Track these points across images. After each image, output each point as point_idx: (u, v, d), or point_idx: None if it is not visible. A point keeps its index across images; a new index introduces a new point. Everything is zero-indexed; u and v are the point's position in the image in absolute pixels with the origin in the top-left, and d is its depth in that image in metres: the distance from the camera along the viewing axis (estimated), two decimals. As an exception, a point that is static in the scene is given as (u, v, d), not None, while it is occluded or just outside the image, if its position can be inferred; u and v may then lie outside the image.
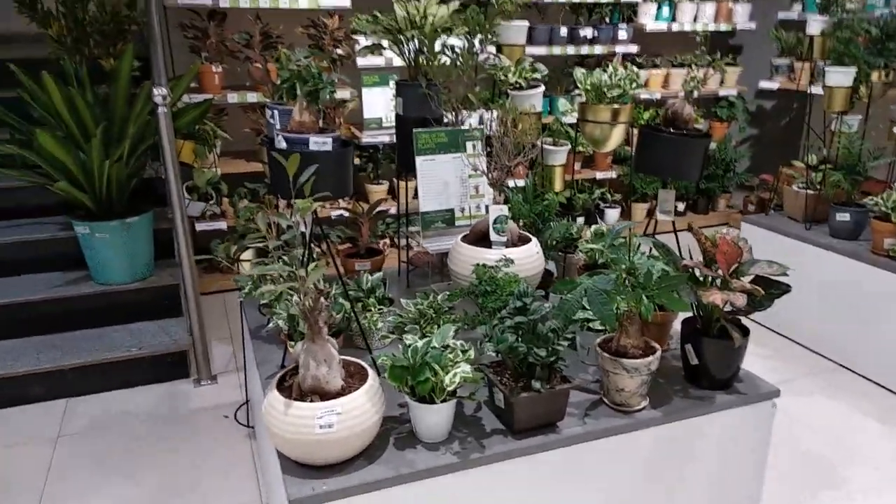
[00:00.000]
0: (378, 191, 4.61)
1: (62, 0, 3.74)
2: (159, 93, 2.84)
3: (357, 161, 4.57)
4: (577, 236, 2.78)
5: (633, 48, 5.26)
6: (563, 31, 5.01)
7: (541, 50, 4.97)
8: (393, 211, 4.41)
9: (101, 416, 3.07)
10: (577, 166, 5.41)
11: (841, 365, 3.57)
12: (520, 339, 1.77)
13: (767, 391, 2.11)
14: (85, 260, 3.45)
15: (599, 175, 5.40)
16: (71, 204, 3.43)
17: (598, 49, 5.15)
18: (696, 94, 2.23)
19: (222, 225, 4.08)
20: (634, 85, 2.42)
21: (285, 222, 1.64)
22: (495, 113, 2.12)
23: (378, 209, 2.94)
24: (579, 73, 2.49)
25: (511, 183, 4.49)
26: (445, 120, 2.55)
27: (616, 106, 2.43)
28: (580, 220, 5.36)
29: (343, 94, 4.39)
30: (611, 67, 2.44)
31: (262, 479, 2.64)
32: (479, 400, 1.99)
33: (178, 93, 3.46)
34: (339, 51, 4.31)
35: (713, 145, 5.73)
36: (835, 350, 3.60)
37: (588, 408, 1.98)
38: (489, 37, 2.48)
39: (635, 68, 2.45)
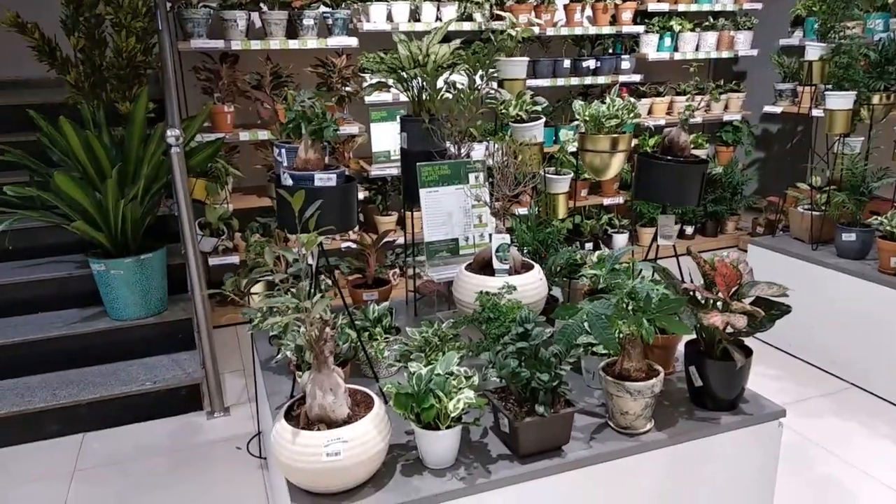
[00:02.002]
0: (386, 222, 4.68)
1: (80, 48, 3.89)
2: (172, 134, 2.94)
3: (366, 193, 4.66)
4: (582, 262, 2.82)
5: (637, 77, 5.34)
6: (567, 63, 5.12)
7: (545, 82, 5.07)
8: (401, 241, 4.47)
9: (116, 451, 3.11)
10: (584, 193, 5.47)
11: (853, 384, 3.55)
12: (522, 365, 1.80)
13: (773, 411, 2.11)
14: (100, 297, 3.53)
15: (607, 201, 5.45)
16: (87, 242, 3.53)
17: (602, 79, 5.24)
18: (689, 121, 2.28)
19: (234, 259, 4.17)
20: (632, 115, 2.48)
21: (291, 256, 1.70)
22: (495, 145, 2.18)
23: (385, 240, 3.00)
24: (578, 104, 2.55)
25: (518, 211, 4.55)
26: (449, 153, 2.62)
27: (615, 135, 2.49)
28: (588, 245, 5.41)
29: (351, 129, 4.50)
30: (608, 98, 2.50)
31: (274, 510, 2.66)
32: (485, 426, 2.02)
33: (191, 133, 3.57)
34: (348, 88, 4.43)
35: (719, 169, 5.78)
36: (846, 369, 3.59)
37: (594, 431, 2.00)
38: (489, 72, 2.55)
39: (632, 99, 2.51)
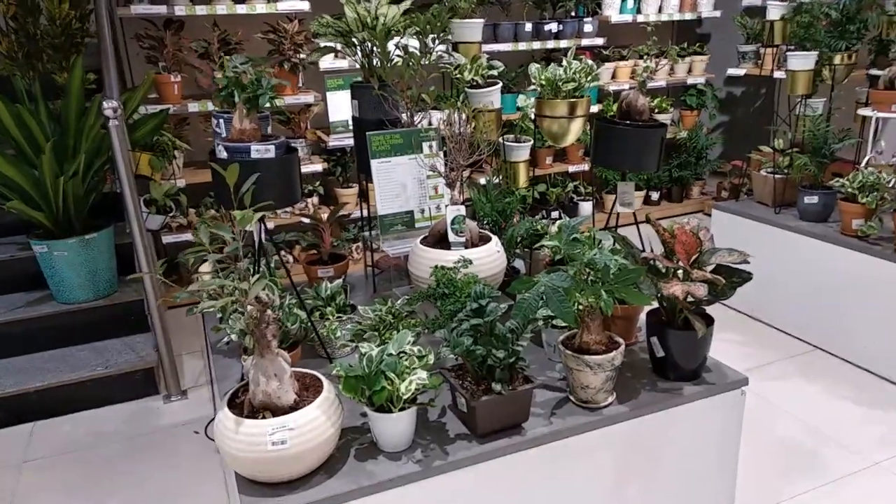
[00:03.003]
0: (347, 194, 4.55)
1: (11, 15, 3.66)
2: (109, 105, 2.77)
3: (325, 165, 4.52)
4: (543, 232, 2.75)
5: (600, 41, 5.24)
6: (528, 26, 4.99)
7: (506, 46, 4.95)
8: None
9: (68, 440, 2.99)
10: (549, 160, 5.39)
11: (817, 347, 3.57)
12: (477, 342, 1.73)
13: (735, 379, 2.08)
14: (45, 279, 3.37)
15: (572, 168, 5.38)
16: (29, 223, 3.35)
17: (564, 43, 5.13)
18: (651, 85, 2.20)
19: (189, 236, 4.02)
20: (590, 78, 2.39)
21: (227, 234, 1.59)
22: (447, 112, 2.07)
23: (341, 213, 2.89)
24: (534, 67, 2.45)
25: (482, 180, 4.45)
26: (402, 121, 2.51)
27: (572, 100, 2.39)
28: (554, 214, 5.36)
29: (307, 98, 4.34)
30: (565, 61, 2.40)
31: (230, 496, 2.58)
32: (444, 405, 1.95)
33: (133, 104, 3.39)
34: (301, 55, 4.25)
35: (684, 133, 5.74)
36: (810, 333, 3.61)
37: (554, 406, 1.94)
38: (441, 35, 2.43)
39: (590, 62, 2.41)
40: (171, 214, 3.03)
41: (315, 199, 4.61)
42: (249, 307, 1.55)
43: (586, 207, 5.38)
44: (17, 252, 3.52)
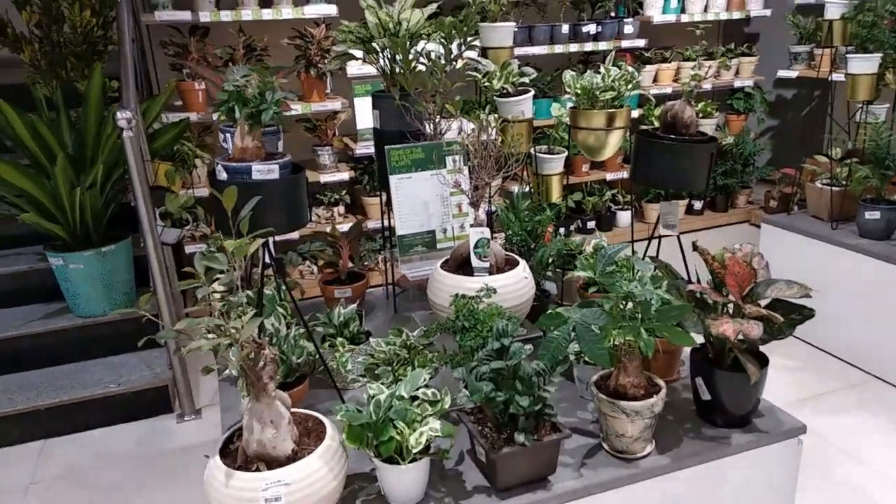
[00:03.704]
0: (375, 203, 4.39)
1: (35, 23, 3.59)
2: (123, 116, 2.65)
3: (352, 174, 4.37)
4: (578, 251, 2.54)
5: (641, 42, 4.98)
6: (565, 28, 4.76)
7: (541, 49, 4.73)
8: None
9: (77, 460, 2.89)
10: (586, 168, 5.15)
11: (876, 377, 3.27)
12: (499, 387, 1.54)
13: (792, 427, 1.85)
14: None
15: (610, 176, 5.13)
16: (46, 234, 3.27)
17: (603, 45, 4.88)
18: (697, 91, 1.98)
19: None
20: (631, 86, 2.17)
21: (218, 266, 1.43)
22: (468, 124, 1.89)
23: (362, 229, 2.73)
24: (568, 75, 2.25)
25: (514, 188, 4.23)
26: (426, 133, 2.33)
27: (611, 110, 2.18)
28: (590, 223, 5.12)
29: (334, 105, 4.20)
30: (603, 67, 2.19)
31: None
32: (463, 450, 1.77)
33: (153, 113, 3.29)
34: (328, 61, 4.11)
35: (730, 139, 5.43)
36: (869, 360, 3.31)
37: (585, 455, 1.74)
38: (468, 40, 2.25)
39: (629, 68, 2.19)
40: (187, 227, 2.93)
41: (341, 209, 4.47)
42: (242, 349, 1.39)
43: (625, 217, 5.13)
44: (36, 263, 3.45)
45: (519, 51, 4.65)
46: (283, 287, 1.93)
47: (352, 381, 1.87)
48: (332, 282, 2.55)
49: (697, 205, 5.42)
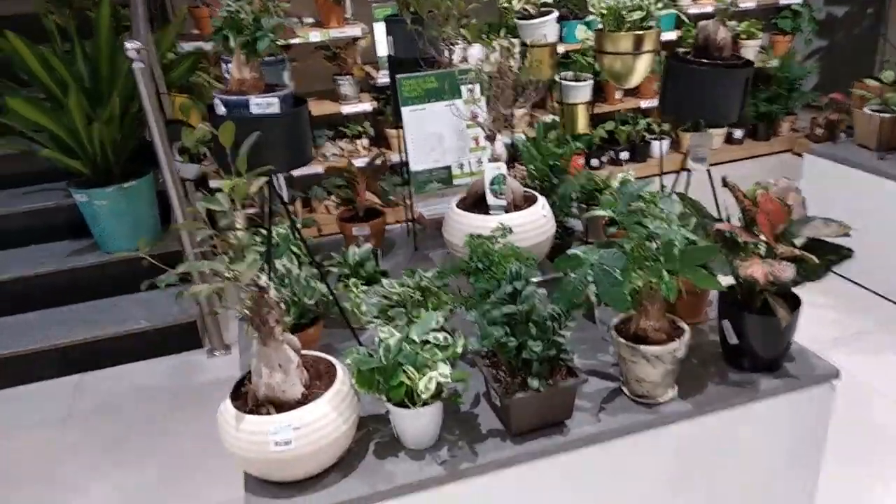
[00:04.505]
0: (399, 135, 4.28)
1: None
2: (132, 46, 2.57)
3: (374, 104, 4.25)
4: (604, 186, 2.43)
5: (681, -44, 4.65)
6: (599, -58, 4.45)
7: (573, -34, 4.44)
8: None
9: (111, 394, 2.97)
10: (620, 95, 4.93)
11: (920, 314, 3.14)
12: (512, 332, 1.48)
13: (825, 371, 1.76)
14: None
15: (644, 104, 4.91)
16: (70, 171, 3.26)
17: (640, -39, 4.56)
18: (735, 9, 1.81)
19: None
20: (662, 4, 2.00)
21: (218, 207, 1.38)
22: (483, 51, 1.76)
23: (382, 163, 2.65)
24: (594, -6, 2.08)
25: (544, 118, 4.07)
26: (445, 59, 2.20)
27: (639, 32, 2.02)
28: (623, 154, 4.94)
29: (354, 31, 4.04)
30: (632, -15, 2.02)
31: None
32: (479, 392, 1.73)
33: (167, 43, 3.19)
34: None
35: (775, 62, 5.12)
36: (912, 297, 3.17)
37: (604, 399, 1.69)
38: (486, -43, 2.09)
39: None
40: (204, 162, 2.88)
41: (365, 141, 4.37)
42: (243, 294, 1.35)
43: (660, 147, 4.93)
44: (63, 199, 3.46)
45: (549, -31, 4.38)
46: (295, 225, 1.87)
47: (366, 322, 1.83)
48: (349, 219, 2.49)
49: (738, 133, 5.18)
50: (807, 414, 1.77)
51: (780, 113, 5.22)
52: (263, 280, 1.38)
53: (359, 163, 3.44)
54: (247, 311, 1.38)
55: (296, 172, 4.09)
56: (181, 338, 3.21)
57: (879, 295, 3.29)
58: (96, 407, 2.89)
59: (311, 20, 4.32)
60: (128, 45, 2.58)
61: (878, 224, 3.19)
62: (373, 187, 2.56)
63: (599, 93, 4.66)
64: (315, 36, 3.95)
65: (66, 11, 3.52)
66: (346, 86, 4.17)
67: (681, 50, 2.18)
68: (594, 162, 4.88)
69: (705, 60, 1.82)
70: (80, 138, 3.00)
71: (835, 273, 3.43)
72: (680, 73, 1.84)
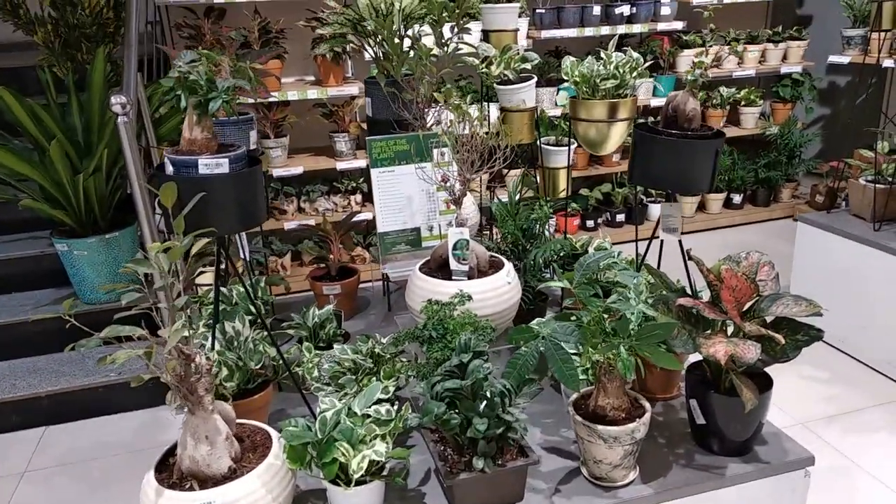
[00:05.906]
0: (392, 193, 4.27)
1: (51, 4, 3.57)
2: (118, 101, 2.57)
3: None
4: (583, 251, 2.38)
5: (679, 25, 4.70)
6: (597, 9, 4.52)
7: (571, 32, 4.50)
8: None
9: (72, 449, 2.88)
10: (617, 157, 4.92)
11: (918, 392, 3.00)
12: (453, 409, 1.40)
13: (798, 457, 1.66)
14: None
15: (642, 167, 4.88)
16: (55, 220, 3.26)
17: (638, 27, 4.62)
18: (702, 81, 1.78)
19: (224, 234, 3.86)
20: (636, 73, 1.98)
21: (148, 270, 1.33)
22: (448, 114, 1.74)
23: (353, 220, 2.61)
24: (567, 61, 2.06)
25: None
26: (412, 124, 2.19)
27: (613, 100, 1.99)
28: (620, 216, 4.89)
29: (351, 89, 4.08)
30: (604, 53, 2.00)
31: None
32: (430, 467, 1.64)
33: (158, 98, 3.22)
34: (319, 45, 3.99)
35: (775, 129, 5.11)
36: (911, 374, 3.04)
37: (560, 481, 1.59)
38: (461, 23, 2.09)
39: (635, 54, 2.00)
40: (185, 216, 2.86)
41: (358, 197, 4.37)
42: (170, 361, 1.29)
43: (658, 210, 4.88)
44: (46, 248, 3.44)
45: (546, 33, 4.45)
46: (250, 285, 1.82)
47: (316, 389, 1.76)
48: (320, 278, 2.44)
49: (737, 198, 5.13)
50: (779, 503, 1.65)
51: (780, 179, 5.18)
52: (194, 345, 1.32)
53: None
54: (171, 380, 1.32)
55: (286, 226, 4.11)
56: (152, 392, 3.13)
57: (874, 369, 3.17)
58: (58, 461, 2.80)
59: (311, 78, 4.39)
60: (113, 99, 2.59)
61: (872, 297, 3.09)
62: (348, 245, 2.52)
63: (595, 155, 4.65)
64: (313, 93, 4.00)
65: (67, 65, 3.60)
66: (342, 142, 4.19)
67: (650, 120, 2.14)
68: (589, 223, 4.84)
69: (674, 131, 1.78)
70: (64, 189, 3.00)
71: (830, 345, 3.32)
72: (649, 144, 1.80)
